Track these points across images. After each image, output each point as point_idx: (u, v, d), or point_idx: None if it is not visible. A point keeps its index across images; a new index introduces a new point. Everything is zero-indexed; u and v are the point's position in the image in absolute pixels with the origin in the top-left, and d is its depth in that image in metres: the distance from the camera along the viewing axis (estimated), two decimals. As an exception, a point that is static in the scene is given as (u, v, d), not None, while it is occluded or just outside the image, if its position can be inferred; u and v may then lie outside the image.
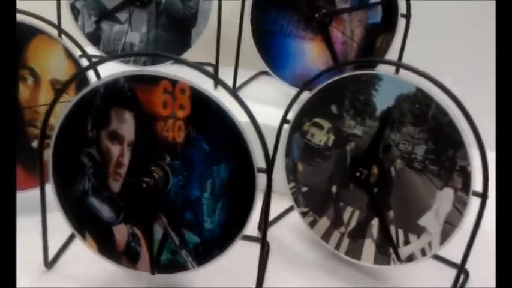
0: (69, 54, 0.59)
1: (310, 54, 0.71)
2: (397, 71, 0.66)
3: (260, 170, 0.48)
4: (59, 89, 0.52)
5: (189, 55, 0.76)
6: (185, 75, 0.46)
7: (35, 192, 0.56)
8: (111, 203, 0.51)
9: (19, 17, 0.58)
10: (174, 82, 0.46)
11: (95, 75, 0.58)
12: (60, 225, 0.55)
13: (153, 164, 0.48)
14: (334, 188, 0.56)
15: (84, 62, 0.60)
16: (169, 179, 0.49)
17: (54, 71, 0.59)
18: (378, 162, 0.51)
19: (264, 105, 0.71)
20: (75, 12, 0.72)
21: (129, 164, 0.49)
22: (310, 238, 0.61)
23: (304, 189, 0.58)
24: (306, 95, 0.57)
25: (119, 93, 0.47)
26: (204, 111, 0.47)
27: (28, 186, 0.61)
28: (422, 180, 0.50)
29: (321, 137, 0.56)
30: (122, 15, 0.74)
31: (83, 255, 0.56)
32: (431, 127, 0.49)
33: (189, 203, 0.50)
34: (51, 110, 0.50)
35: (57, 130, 0.49)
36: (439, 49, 0.76)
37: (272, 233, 0.63)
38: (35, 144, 0.60)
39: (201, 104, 0.46)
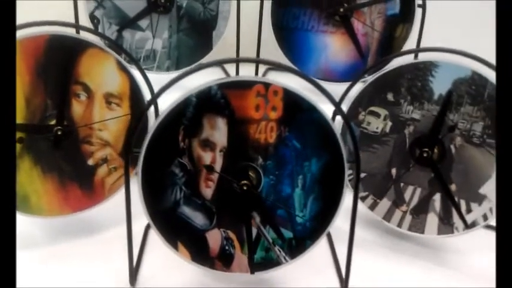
0: (121, 66, 0.57)
1: (333, 47, 0.75)
2: (416, 56, 0.72)
3: (349, 161, 0.51)
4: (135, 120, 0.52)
5: (210, 57, 0.77)
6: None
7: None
8: (204, 210, 0.51)
9: (68, 31, 0.57)
10: (267, 85, 0.48)
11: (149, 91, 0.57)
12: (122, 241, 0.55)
13: (245, 167, 0.50)
14: (393, 171, 0.60)
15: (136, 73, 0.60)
16: (261, 180, 0.51)
17: (107, 85, 0.57)
18: (440, 142, 0.56)
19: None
20: (94, 21, 0.70)
21: (221, 169, 0.50)
22: (365, 220, 0.65)
23: (363, 175, 0.62)
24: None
25: (211, 101, 0.48)
26: (296, 111, 0.49)
27: (85, 207, 0.60)
28: (481, 153, 0.56)
29: (378, 124, 0.60)
30: (143, 22, 0.73)
31: (156, 267, 0.57)
32: (488, 105, 0.55)
33: (281, 200, 0.52)
34: (131, 138, 0.49)
35: (147, 144, 0.48)
36: (453, 34, 0.83)
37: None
38: (91, 162, 0.59)
39: (293, 104, 0.49)
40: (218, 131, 0.49)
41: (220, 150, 0.50)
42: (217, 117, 0.48)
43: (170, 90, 0.49)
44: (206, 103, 0.48)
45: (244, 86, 0.48)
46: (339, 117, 0.61)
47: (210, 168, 0.49)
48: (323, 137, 0.50)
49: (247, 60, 0.54)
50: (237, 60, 0.71)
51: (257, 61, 0.74)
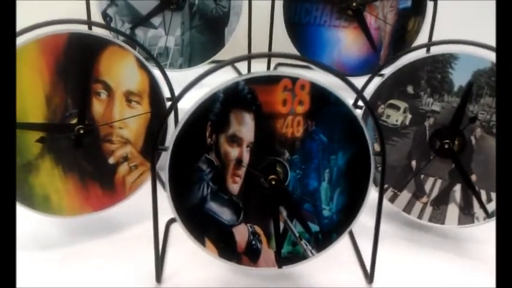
0: (141, 64, 0.57)
1: (345, 41, 0.75)
2: (428, 50, 0.72)
3: (376, 154, 0.51)
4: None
5: (222, 54, 0.77)
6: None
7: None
8: (231, 205, 0.51)
9: (87, 29, 0.56)
10: (294, 79, 0.48)
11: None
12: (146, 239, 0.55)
13: (272, 162, 0.50)
14: (414, 162, 0.61)
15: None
16: (288, 174, 0.51)
17: (127, 83, 0.57)
18: (460, 133, 0.57)
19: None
20: (107, 19, 0.70)
21: (248, 165, 0.50)
22: (385, 212, 0.64)
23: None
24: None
25: (238, 96, 0.48)
26: (323, 105, 0.49)
27: (106, 206, 0.59)
28: (501, 143, 0.57)
29: (397, 117, 0.60)
30: (155, 20, 0.72)
31: (180, 264, 0.57)
32: (508, 95, 0.55)
33: (308, 194, 0.52)
34: (157, 135, 0.49)
35: (174, 140, 0.48)
36: (466, 26, 0.83)
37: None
38: (111, 160, 0.58)
39: (320, 97, 0.49)
40: (245, 127, 0.49)
41: (247, 146, 0.50)
42: (244, 113, 0.48)
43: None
44: (233, 99, 0.48)
45: (272, 81, 0.47)
46: (358, 110, 0.62)
47: (239, 162, 0.49)
48: (349, 131, 0.50)
49: (259, 56, 0.54)
50: (249, 57, 0.71)
51: (269, 55, 0.73)
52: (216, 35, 0.75)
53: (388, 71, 0.59)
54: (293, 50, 0.77)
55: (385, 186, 0.63)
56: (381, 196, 0.52)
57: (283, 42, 0.77)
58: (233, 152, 0.49)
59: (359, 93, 0.50)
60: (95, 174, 0.58)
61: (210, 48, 0.75)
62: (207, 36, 0.75)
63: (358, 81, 0.65)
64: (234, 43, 0.77)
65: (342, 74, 0.48)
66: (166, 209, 0.51)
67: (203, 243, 0.52)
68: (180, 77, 0.59)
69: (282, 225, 0.52)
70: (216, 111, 0.48)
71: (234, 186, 0.51)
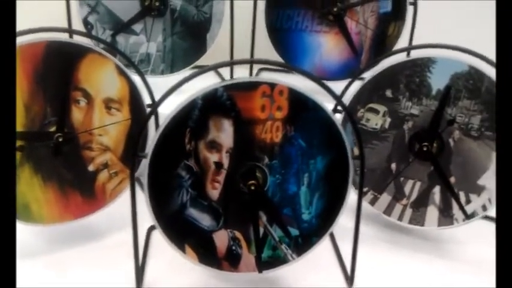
0: (121, 71, 0.57)
1: (327, 46, 0.76)
2: (408, 54, 0.73)
3: (355, 157, 0.51)
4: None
5: (204, 60, 0.77)
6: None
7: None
8: (210, 211, 0.51)
9: (66, 37, 0.56)
10: (272, 85, 0.48)
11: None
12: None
13: (252, 167, 0.50)
14: (393, 165, 0.61)
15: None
16: (268, 179, 0.51)
17: (107, 90, 0.57)
18: (438, 136, 0.58)
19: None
20: (88, 27, 0.69)
21: (227, 170, 0.50)
22: (365, 215, 0.63)
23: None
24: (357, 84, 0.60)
25: (217, 103, 0.48)
26: (301, 110, 0.49)
27: (86, 213, 0.59)
28: (479, 145, 0.57)
29: (377, 120, 0.60)
30: (137, 26, 0.72)
31: (161, 270, 0.57)
32: (485, 99, 0.56)
33: (287, 198, 0.52)
34: (137, 141, 0.49)
35: (154, 146, 0.48)
36: (445, 31, 0.84)
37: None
38: (91, 167, 0.58)
39: (298, 103, 0.49)
40: (224, 133, 0.49)
41: (227, 151, 0.50)
42: (223, 119, 0.48)
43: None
44: (212, 105, 0.48)
45: (250, 87, 0.48)
46: (338, 115, 0.63)
47: (219, 166, 0.49)
48: (328, 135, 0.50)
49: (241, 62, 0.54)
50: (231, 63, 0.71)
51: (251, 62, 0.74)
52: (198, 41, 0.75)
53: (368, 75, 0.60)
54: (275, 55, 0.77)
55: (365, 189, 0.63)
56: (359, 199, 0.53)
57: (266, 47, 0.77)
58: (212, 158, 0.50)
59: (338, 99, 0.51)
60: (75, 181, 0.57)
61: (192, 54, 0.75)
62: (189, 42, 0.75)
63: (340, 86, 0.66)
64: (216, 49, 0.77)
65: (322, 79, 0.49)
66: (148, 216, 0.51)
67: (183, 250, 0.52)
68: (162, 84, 0.59)
69: (261, 230, 0.53)
70: (195, 118, 0.48)
71: (214, 192, 0.51)
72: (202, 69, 0.49)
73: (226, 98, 0.48)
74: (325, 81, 0.49)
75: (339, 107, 0.62)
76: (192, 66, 0.77)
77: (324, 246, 0.57)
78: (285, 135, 0.50)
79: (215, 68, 0.49)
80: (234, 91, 0.48)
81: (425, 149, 0.57)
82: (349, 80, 0.62)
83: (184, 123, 0.48)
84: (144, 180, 0.49)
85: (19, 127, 0.53)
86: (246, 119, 0.49)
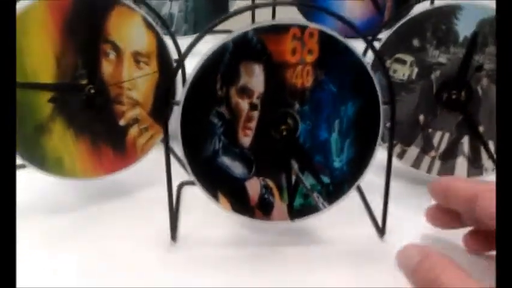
0: (149, 25, 0.57)
1: (349, 3, 0.75)
2: (432, 2, 0.72)
3: (385, 103, 0.51)
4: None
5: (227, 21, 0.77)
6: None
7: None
8: (242, 159, 0.51)
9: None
10: (303, 28, 0.48)
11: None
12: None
13: (283, 113, 0.50)
14: (421, 117, 0.61)
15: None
16: (299, 125, 0.52)
17: (135, 44, 0.57)
18: (467, 84, 0.57)
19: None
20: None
21: (259, 116, 0.50)
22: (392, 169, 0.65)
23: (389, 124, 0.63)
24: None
25: (248, 47, 0.48)
26: (332, 54, 0.49)
27: (118, 168, 0.60)
28: (508, 92, 0.57)
29: (404, 71, 0.60)
30: (159, -14, 0.73)
31: (192, 224, 0.58)
32: (514, 43, 0.55)
33: (318, 145, 0.52)
34: (169, 89, 0.49)
35: (185, 94, 0.48)
36: None
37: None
38: (122, 122, 0.59)
39: (329, 46, 0.49)
40: (255, 78, 0.49)
41: (258, 97, 0.50)
42: (254, 63, 0.48)
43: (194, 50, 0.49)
44: (243, 49, 0.48)
45: (281, 29, 0.48)
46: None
47: (254, 107, 0.49)
48: (359, 80, 0.50)
49: (265, 5, 0.53)
50: (253, 7, 0.70)
51: (274, 4, 0.72)
52: (220, 2, 0.75)
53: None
54: (299, 16, 0.77)
55: (394, 141, 0.63)
56: (390, 146, 0.53)
57: (287, 9, 0.77)
58: (243, 104, 0.50)
59: (368, 42, 0.51)
60: (107, 136, 0.58)
61: (214, 15, 0.75)
62: (211, 2, 0.75)
63: (363, 44, 0.65)
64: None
65: (350, 22, 0.48)
66: (177, 172, 0.51)
67: (216, 198, 0.53)
68: (185, 44, 0.59)
69: (293, 179, 0.53)
70: (226, 63, 0.48)
71: (245, 139, 0.51)
72: (226, 16, 0.49)
73: (257, 41, 0.48)
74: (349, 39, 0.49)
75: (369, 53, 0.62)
76: (233, 11, 0.77)
77: (352, 199, 0.57)
78: (316, 79, 0.50)
79: (238, 13, 0.49)
80: (265, 34, 0.48)
81: (454, 97, 0.57)
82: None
83: (215, 68, 0.48)
84: (177, 128, 0.50)
85: (50, 79, 0.54)
86: (277, 63, 0.49)
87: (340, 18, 0.49)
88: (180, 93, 0.49)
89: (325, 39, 0.48)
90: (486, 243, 0.52)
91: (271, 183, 0.53)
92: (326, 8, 0.48)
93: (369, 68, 0.50)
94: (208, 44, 0.49)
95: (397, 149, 0.63)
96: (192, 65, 0.49)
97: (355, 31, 0.48)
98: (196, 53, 0.49)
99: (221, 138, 0.51)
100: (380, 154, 0.54)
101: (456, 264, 0.42)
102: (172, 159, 0.52)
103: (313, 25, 0.48)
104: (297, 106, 0.51)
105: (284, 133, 0.49)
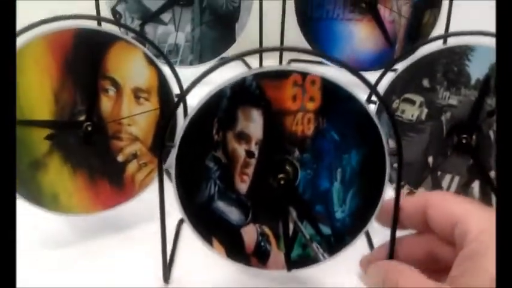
0: (149, 60, 0.56)
1: (359, 36, 0.73)
2: (445, 42, 0.70)
3: (392, 153, 0.49)
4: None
5: (233, 50, 0.76)
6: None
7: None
8: (238, 205, 0.50)
9: (95, 24, 0.55)
10: (304, 74, 0.46)
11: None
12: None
13: (282, 160, 0.49)
14: (430, 159, 0.59)
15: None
16: (298, 173, 0.50)
17: (135, 79, 0.56)
18: (478, 128, 0.55)
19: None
20: (116, 16, 0.69)
21: (257, 163, 0.49)
22: None
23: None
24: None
25: (246, 92, 0.46)
26: (335, 101, 0.47)
27: (115, 204, 0.59)
28: (522, 138, 0.54)
29: (413, 111, 0.58)
30: (165, 16, 0.72)
31: (189, 264, 0.56)
32: (529, 89, 0.53)
33: (319, 194, 0.50)
34: (165, 130, 0.48)
35: (181, 137, 0.47)
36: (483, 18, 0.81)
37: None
38: (120, 158, 0.58)
39: (332, 93, 0.47)
40: (253, 123, 0.47)
41: (256, 143, 0.48)
42: (252, 109, 0.47)
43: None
44: (241, 94, 0.46)
45: (281, 75, 0.46)
46: (372, 105, 0.60)
47: (250, 154, 0.48)
48: (363, 128, 0.48)
49: (271, 50, 0.52)
50: (261, 51, 0.70)
51: (281, 49, 0.72)
52: (227, 31, 0.74)
53: (402, 65, 0.57)
54: (306, 47, 0.75)
55: (401, 183, 0.61)
56: (397, 193, 0.50)
57: (296, 39, 0.75)
58: (241, 150, 0.48)
59: (372, 88, 0.49)
60: (104, 172, 0.57)
61: (221, 44, 0.74)
62: (218, 32, 0.74)
63: (373, 77, 0.63)
64: (245, 39, 0.76)
65: (356, 68, 0.47)
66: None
67: (210, 243, 0.51)
68: (191, 74, 0.58)
69: (291, 227, 0.51)
70: (223, 108, 0.47)
71: (242, 185, 0.49)
72: (231, 57, 0.47)
73: (256, 87, 0.46)
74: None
75: (373, 98, 0.60)
76: (221, 56, 0.76)
77: (358, 244, 0.55)
78: (317, 127, 0.48)
79: (244, 55, 0.47)
80: (264, 80, 0.46)
81: (464, 141, 0.54)
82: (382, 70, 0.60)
83: (212, 112, 0.47)
84: (172, 171, 0.49)
85: (48, 115, 0.53)
86: (276, 109, 0.47)
87: (344, 65, 0.46)
88: (177, 133, 0.48)
89: (327, 86, 0.46)
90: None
91: (268, 231, 0.51)
92: (331, 56, 0.47)
93: (373, 115, 0.47)
94: (218, 74, 0.47)
95: (405, 191, 0.61)
96: (198, 94, 0.47)
97: (358, 78, 0.46)
98: (203, 83, 0.47)
99: (217, 183, 0.49)
100: (389, 192, 0.51)
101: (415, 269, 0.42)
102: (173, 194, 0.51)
103: (315, 72, 0.46)
104: (296, 153, 0.49)
105: (282, 182, 0.48)
